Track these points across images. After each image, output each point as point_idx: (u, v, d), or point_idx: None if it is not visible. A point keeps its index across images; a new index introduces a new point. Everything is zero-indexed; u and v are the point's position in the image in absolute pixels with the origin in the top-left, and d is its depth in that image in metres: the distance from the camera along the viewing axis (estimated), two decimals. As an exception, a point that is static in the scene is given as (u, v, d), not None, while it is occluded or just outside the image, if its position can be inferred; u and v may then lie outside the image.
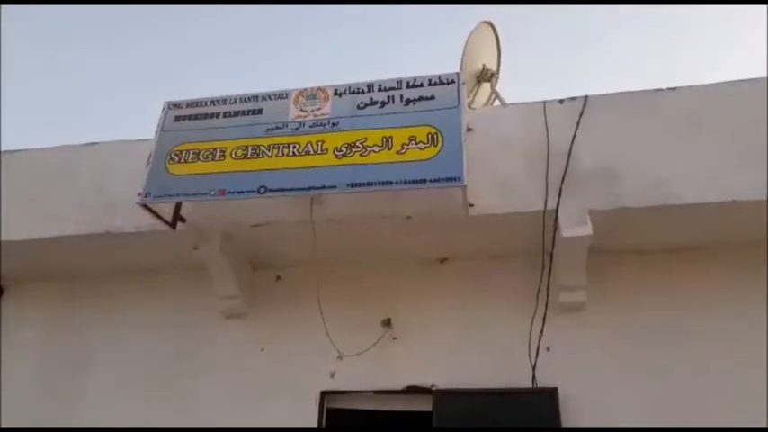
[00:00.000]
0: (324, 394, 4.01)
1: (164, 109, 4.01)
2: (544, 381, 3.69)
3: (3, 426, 3.89)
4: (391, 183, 3.40)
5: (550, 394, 3.62)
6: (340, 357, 4.01)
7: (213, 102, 3.98)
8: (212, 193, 3.57)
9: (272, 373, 4.13)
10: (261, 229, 3.98)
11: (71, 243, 4.20)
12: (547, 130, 3.90)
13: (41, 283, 4.74)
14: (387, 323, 4.15)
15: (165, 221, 3.81)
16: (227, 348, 4.29)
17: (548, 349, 3.82)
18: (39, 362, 4.49)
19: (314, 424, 3.92)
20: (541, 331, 3.81)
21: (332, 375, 4.02)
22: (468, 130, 3.75)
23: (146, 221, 3.94)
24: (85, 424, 4.17)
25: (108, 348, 4.44)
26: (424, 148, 3.45)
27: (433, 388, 3.83)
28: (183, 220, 3.94)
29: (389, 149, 3.48)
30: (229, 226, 4.00)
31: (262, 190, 3.51)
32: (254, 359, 4.21)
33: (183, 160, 3.73)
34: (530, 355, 3.77)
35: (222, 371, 4.20)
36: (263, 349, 4.24)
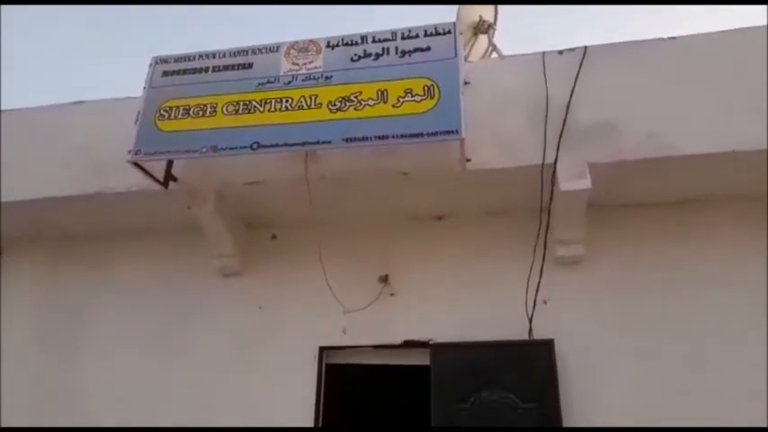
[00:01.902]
0: (323, 350, 4.05)
1: (151, 64, 3.87)
2: (541, 334, 3.72)
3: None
4: (387, 137, 3.33)
5: (547, 346, 3.66)
6: (338, 313, 4.02)
7: (201, 56, 3.84)
8: (204, 149, 3.48)
9: (271, 331, 4.16)
10: (255, 187, 3.92)
11: (62, 204, 4.13)
12: (546, 82, 3.80)
13: (36, 243, 4.69)
14: (384, 280, 4.16)
15: (156, 180, 3.74)
16: (224, 307, 4.29)
17: (545, 302, 3.84)
18: (36, 323, 4.49)
19: (313, 380, 3.97)
20: (538, 285, 3.82)
21: (330, 330, 4.03)
22: (465, 83, 3.65)
23: (137, 181, 3.86)
24: (83, 382, 4.22)
25: (105, 307, 4.44)
26: (421, 100, 3.36)
27: (431, 342, 3.87)
28: (174, 180, 3.86)
29: (385, 103, 3.39)
30: (222, 185, 3.93)
31: (254, 146, 3.43)
32: (251, 317, 4.22)
33: (172, 117, 3.62)
34: (527, 309, 3.79)
35: (220, 329, 4.22)
36: (260, 307, 4.25)
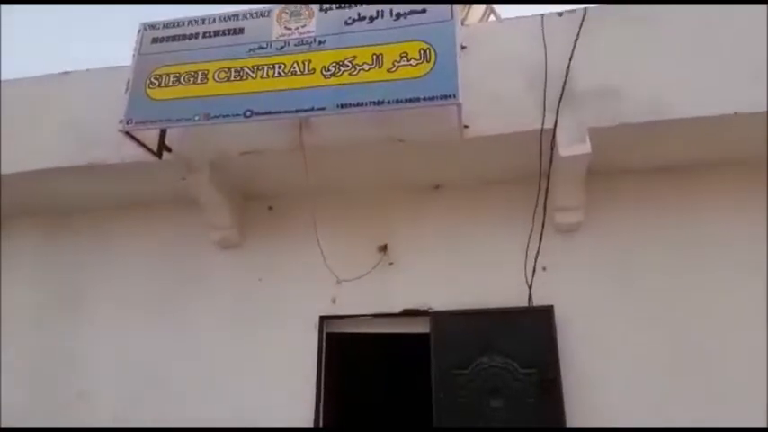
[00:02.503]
0: (323, 319, 4.07)
1: (139, 31, 3.77)
2: (540, 300, 3.73)
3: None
4: (383, 102, 3.26)
5: (546, 312, 3.66)
6: (337, 282, 4.02)
7: (191, 22, 3.73)
8: (196, 118, 3.42)
9: (271, 301, 4.16)
10: (250, 157, 3.86)
11: (55, 176, 4.08)
12: (545, 45, 3.70)
13: (32, 217, 4.67)
14: (383, 249, 4.14)
15: (150, 151, 3.68)
16: (223, 279, 4.29)
17: (544, 269, 3.83)
18: (33, 296, 4.50)
19: (314, 349, 4.00)
20: (537, 252, 3.81)
21: (330, 300, 4.04)
22: (462, 47, 3.56)
23: (130, 152, 3.81)
24: (81, 354, 4.25)
25: (103, 280, 4.44)
26: (417, 64, 3.28)
27: (430, 310, 3.87)
28: (168, 150, 3.81)
29: (380, 67, 3.31)
30: (217, 155, 3.87)
31: (248, 114, 3.36)
32: (251, 288, 4.22)
33: (163, 84, 3.55)
34: (526, 276, 3.79)
35: (220, 300, 4.23)
36: (260, 279, 4.24)
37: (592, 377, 3.57)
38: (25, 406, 4.14)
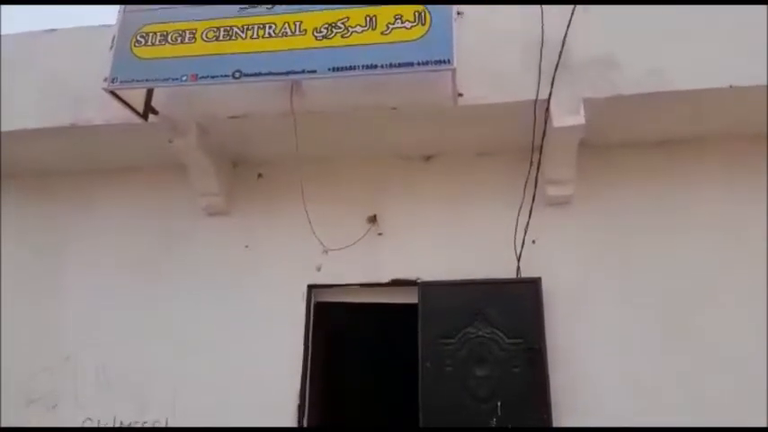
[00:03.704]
0: (311, 288, 4.04)
1: (125, -14, 3.63)
2: (529, 273, 3.73)
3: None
4: (376, 66, 3.19)
5: (534, 284, 3.67)
6: (326, 252, 3.99)
7: (179, -22, 3.60)
8: (184, 78, 3.33)
9: (258, 270, 4.12)
10: (239, 122, 3.78)
11: (37, 137, 3.98)
12: (542, 14, 3.63)
13: (13, 179, 4.54)
14: (372, 219, 4.11)
15: (135, 112, 3.59)
16: (209, 246, 4.23)
17: (533, 242, 3.82)
18: (14, 261, 4.40)
19: (302, 317, 3.98)
20: (527, 224, 3.79)
21: (318, 269, 4.01)
22: (458, 14, 3.48)
23: (115, 114, 3.71)
24: (63, 319, 4.19)
25: (86, 244, 4.36)
26: (411, 27, 3.20)
27: (419, 281, 3.86)
28: (155, 112, 3.72)
29: (373, 29, 3.23)
30: (205, 118, 3.78)
31: (237, 75, 3.28)
32: (238, 256, 4.18)
33: (150, 43, 3.44)
34: (515, 248, 3.78)
35: (206, 268, 4.18)
36: (247, 246, 4.20)
37: (577, 348, 3.59)
38: (9, 369, 4.10)
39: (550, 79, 3.49)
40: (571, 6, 3.56)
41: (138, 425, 3.83)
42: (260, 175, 4.39)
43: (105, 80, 3.38)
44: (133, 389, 3.92)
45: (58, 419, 3.93)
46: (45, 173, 4.54)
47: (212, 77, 3.30)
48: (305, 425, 3.76)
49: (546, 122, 3.57)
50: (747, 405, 3.35)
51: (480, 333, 3.62)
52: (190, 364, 3.94)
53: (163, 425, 3.81)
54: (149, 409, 3.86)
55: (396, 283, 3.94)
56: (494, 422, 3.42)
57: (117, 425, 3.86)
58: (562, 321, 3.64)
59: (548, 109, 3.50)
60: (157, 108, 3.74)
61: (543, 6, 3.63)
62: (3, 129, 3.92)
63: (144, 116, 3.62)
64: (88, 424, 3.89)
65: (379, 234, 4.08)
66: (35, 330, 4.19)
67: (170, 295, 4.14)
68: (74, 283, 4.28)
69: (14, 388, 4.03)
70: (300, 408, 3.77)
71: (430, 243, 4.01)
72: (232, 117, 3.73)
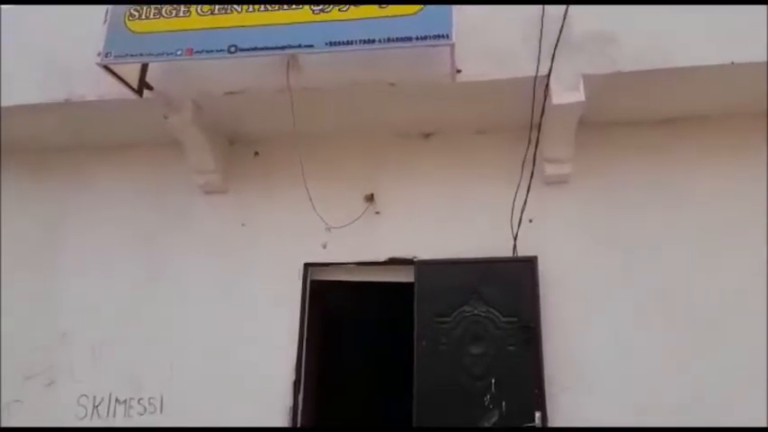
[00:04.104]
0: (307, 266, 4.04)
1: (119, -41, 3.56)
2: (525, 252, 3.72)
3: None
4: (374, 41, 3.15)
5: (530, 263, 3.67)
6: (323, 230, 3.97)
7: (174, -50, 3.53)
8: (179, 52, 3.27)
9: (255, 248, 4.12)
10: (235, 98, 3.74)
11: (30, 113, 3.93)
12: (543, -12, 3.57)
13: (7, 157, 4.50)
14: (369, 198, 4.10)
15: (130, 87, 3.55)
16: (206, 224, 4.22)
17: (530, 221, 3.81)
18: (10, 238, 4.39)
19: (298, 296, 3.98)
20: (525, 203, 3.78)
21: (319, 246, 3.99)
22: (458, -10, 3.42)
23: (110, 89, 3.67)
24: (59, 296, 4.19)
25: (83, 221, 4.35)
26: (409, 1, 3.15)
27: (415, 259, 3.86)
28: (150, 88, 3.67)
29: (370, 3, 3.17)
30: (200, 94, 3.75)
31: (232, 49, 3.23)
32: (235, 234, 4.17)
33: (144, 17, 3.38)
34: (512, 227, 3.77)
35: (202, 246, 4.17)
36: (243, 225, 4.18)
37: (573, 327, 3.60)
38: (6, 345, 4.10)
39: (550, 56, 3.45)
40: (572, -17, 3.52)
41: (134, 401, 3.85)
42: (257, 153, 4.37)
43: (99, 54, 3.33)
44: (129, 366, 3.94)
45: (55, 395, 3.95)
46: (42, 150, 4.51)
47: (207, 52, 3.26)
48: (300, 401, 3.78)
49: (545, 99, 3.54)
50: (746, 381, 3.36)
51: (476, 312, 3.62)
52: (186, 340, 3.96)
53: (158, 401, 3.84)
54: (145, 386, 3.88)
55: (392, 261, 3.94)
56: (487, 399, 3.44)
57: (113, 401, 3.87)
58: (558, 300, 3.64)
59: (547, 86, 3.47)
60: (152, 84, 3.69)
61: (544, -18, 3.57)
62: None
63: (138, 92, 3.58)
64: (84, 401, 3.91)
65: (377, 213, 4.07)
66: (32, 307, 4.20)
67: (167, 273, 4.14)
68: (71, 261, 4.27)
69: (12, 364, 4.04)
70: (296, 384, 3.79)
71: (427, 222, 4.00)
72: (228, 93, 3.70)
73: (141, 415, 3.82)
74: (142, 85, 3.61)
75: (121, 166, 4.43)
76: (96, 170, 4.45)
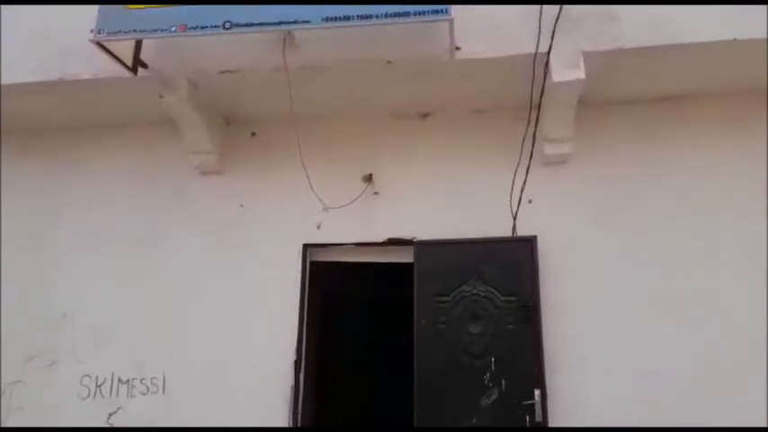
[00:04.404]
0: (306, 247, 4.03)
1: (111, -66, 3.47)
2: (525, 232, 3.72)
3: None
4: (371, 17, 3.08)
5: (529, 243, 3.67)
6: (322, 211, 3.95)
7: (167, -76, 3.44)
8: (173, 29, 3.21)
9: (253, 228, 4.11)
10: (231, 77, 3.69)
11: (25, 92, 3.87)
12: (543, -36, 3.50)
13: (9, 137, 4.46)
14: (368, 179, 4.07)
15: (124, 65, 3.49)
16: (203, 204, 4.20)
17: (530, 201, 3.80)
18: (11, 220, 4.36)
19: (298, 276, 3.98)
20: (524, 183, 3.77)
21: (318, 227, 3.98)
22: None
23: (104, 68, 3.62)
24: (56, 277, 4.18)
25: (81, 205, 4.32)
26: (408, -25, 3.08)
27: (415, 240, 3.85)
28: (144, 66, 3.61)
29: (368, -22, 3.10)
30: (196, 73, 3.69)
31: (227, 25, 3.17)
32: (233, 215, 4.15)
33: (137, -7, 3.31)
34: (511, 207, 3.76)
35: (200, 227, 4.16)
36: (241, 205, 4.16)
37: (571, 306, 3.62)
38: (7, 326, 4.11)
39: (550, 33, 3.40)
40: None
41: (137, 381, 3.87)
42: (253, 134, 4.33)
43: (92, 31, 3.27)
44: (131, 346, 3.96)
45: (57, 376, 3.97)
46: (38, 130, 4.46)
47: (202, 28, 3.19)
48: (301, 381, 3.81)
49: (545, 77, 3.49)
50: (745, 358, 3.39)
51: (475, 291, 3.63)
52: (186, 321, 3.97)
53: (161, 381, 3.86)
54: (147, 366, 3.90)
55: (391, 242, 3.93)
56: (487, 377, 3.47)
57: (115, 381, 3.90)
58: (557, 279, 3.65)
59: (547, 63, 3.42)
60: (147, 62, 3.63)
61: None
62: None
63: (133, 69, 3.52)
64: (86, 381, 3.93)
65: (375, 193, 4.05)
66: (31, 288, 4.19)
67: (165, 254, 4.13)
68: (68, 243, 4.25)
69: (12, 345, 4.05)
70: (297, 364, 3.81)
71: (426, 202, 3.98)
72: (223, 72, 3.64)
73: (144, 395, 3.84)
74: (136, 63, 3.56)
75: (117, 146, 4.39)
76: (92, 150, 4.40)
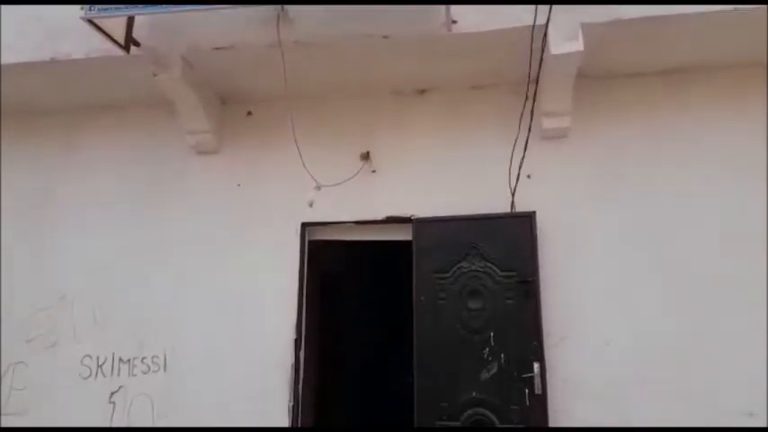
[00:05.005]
0: (304, 226, 4.03)
1: None
2: (523, 207, 3.71)
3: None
4: (366, -10, 3.03)
5: (528, 218, 3.66)
6: (319, 189, 3.93)
7: None
8: (165, 5, 3.15)
9: (251, 208, 4.10)
10: (224, 54, 3.65)
11: (17, 72, 3.83)
12: (540, -66, 3.44)
13: (5, 120, 4.44)
14: (365, 157, 4.05)
15: (116, 43, 3.44)
16: (201, 185, 4.19)
17: (528, 177, 3.79)
18: (9, 202, 4.35)
19: (296, 255, 3.98)
20: (522, 159, 3.74)
21: (310, 205, 3.96)
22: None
23: (97, 47, 3.58)
24: (59, 261, 4.19)
25: (75, 184, 4.31)
26: (403, -54, 3.03)
27: (413, 217, 3.84)
28: (137, 44, 3.57)
29: (363, -50, 3.05)
30: (190, 50, 3.65)
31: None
32: (230, 195, 4.14)
33: (127, -31, 3.24)
34: (510, 183, 3.74)
35: (198, 207, 4.15)
36: (239, 185, 4.15)
37: (571, 280, 3.62)
38: (7, 308, 4.13)
39: (548, 5, 3.35)
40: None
41: (138, 360, 3.90)
42: (249, 113, 4.29)
43: (82, 8, 3.21)
44: (130, 326, 3.97)
45: (58, 356, 3.99)
46: (35, 112, 4.43)
47: (194, 3, 3.14)
48: (302, 358, 3.83)
49: (543, 50, 3.45)
50: (744, 329, 3.39)
51: (474, 267, 3.64)
52: (186, 301, 3.98)
53: (162, 360, 3.88)
54: (148, 345, 3.92)
55: (390, 220, 3.92)
56: (486, 352, 3.49)
57: (116, 360, 3.92)
58: (556, 255, 3.65)
59: (545, 35, 3.38)
60: (139, 40, 3.59)
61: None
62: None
63: (125, 48, 3.48)
64: (87, 361, 3.95)
65: (373, 171, 4.03)
66: (30, 270, 4.20)
67: (163, 234, 4.12)
68: (65, 224, 4.25)
69: (12, 327, 4.07)
70: (297, 342, 3.82)
71: (424, 179, 3.97)
72: (217, 48, 3.60)
73: (145, 373, 3.87)
74: (129, 41, 3.51)
75: (113, 127, 4.36)
76: (89, 132, 4.38)
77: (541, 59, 3.52)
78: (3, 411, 3.92)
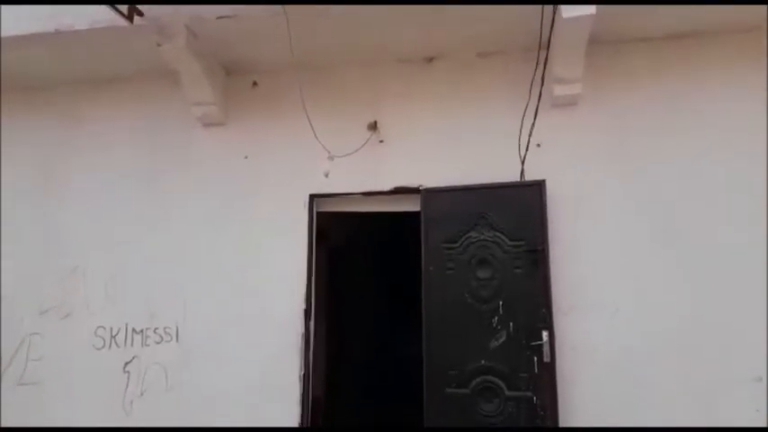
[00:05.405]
0: (312, 198, 4.02)
1: None
2: (533, 176, 3.66)
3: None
4: (372, -48, 2.95)
5: (537, 187, 3.62)
6: (332, 159, 3.89)
7: None
8: (167, -29, 3.10)
9: (258, 180, 4.09)
10: (229, 24, 3.59)
11: (22, 45, 3.79)
12: None
13: (10, 94, 4.42)
14: (373, 127, 4.00)
15: (120, 13, 3.38)
16: (207, 156, 4.18)
17: (538, 146, 3.74)
18: (14, 173, 4.38)
19: (305, 227, 3.98)
20: (532, 127, 3.68)
21: (326, 175, 3.90)
22: None
23: (99, 17, 3.53)
24: (69, 234, 4.23)
25: (84, 158, 4.32)
26: None
27: (421, 188, 3.82)
28: (140, 14, 3.51)
29: None
30: (193, 20, 3.59)
31: (223, -35, 3.05)
32: (237, 167, 4.13)
33: (127, -66, 3.18)
34: (519, 151, 3.69)
35: (205, 178, 4.15)
36: (246, 157, 4.13)
37: (580, 249, 3.60)
38: (23, 280, 4.18)
39: (559, -34, 3.26)
40: None
41: (150, 330, 3.96)
42: (255, 84, 4.24)
43: (84, -24, 3.17)
44: (142, 297, 4.03)
45: (72, 328, 4.06)
46: (39, 85, 4.42)
47: (197, -31, 3.08)
48: (311, 328, 3.87)
49: (554, 14, 3.36)
50: (754, 295, 3.38)
51: (483, 237, 3.62)
52: (196, 273, 4.01)
53: (174, 330, 3.94)
54: (159, 316, 3.98)
55: (398, 191, 3.90)
56: (495, 320, 3.50)
57: (129, 331, 3.98)
58: (565, 223, 3.62)
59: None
60: (143, 10, 3.53)
61: None
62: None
63: (129, 18, 3.43)
64: (101, 332, 4.02)
65: (381, 141, 3.99)
66: (40, 243, 4.25)
67: (172, 208, 4.14)
68: (74, 197, 4.27)
69: (26, 299, 4.13)
70: (306, 312, 3.85)
71: (432, 149, 3.93)
72: (221, 17, 3.53)
73: (158, 343, 3.93)
74: (132, 11, 3.45)
75: (118, 99, 4.34)
76: (94, 104, 4.37)
77: (552, 24, 3.43)
78: (20, 381, 4.01)
